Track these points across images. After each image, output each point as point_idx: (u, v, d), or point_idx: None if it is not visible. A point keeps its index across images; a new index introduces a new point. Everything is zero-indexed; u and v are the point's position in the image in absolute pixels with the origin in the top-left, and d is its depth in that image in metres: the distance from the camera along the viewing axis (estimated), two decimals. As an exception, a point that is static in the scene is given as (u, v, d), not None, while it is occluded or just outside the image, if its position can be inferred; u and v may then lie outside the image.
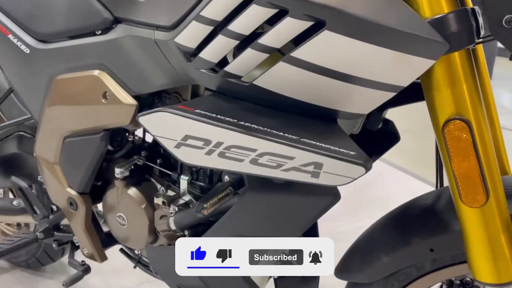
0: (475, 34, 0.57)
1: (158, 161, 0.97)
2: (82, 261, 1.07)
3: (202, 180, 0.88)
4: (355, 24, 0.53)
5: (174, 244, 0.92)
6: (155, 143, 0.99)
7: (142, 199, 0.94)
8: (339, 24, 0.54)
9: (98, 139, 0.91)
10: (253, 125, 0.56)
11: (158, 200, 0.94)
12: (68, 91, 0.93)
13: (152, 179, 0.97)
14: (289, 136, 0.55)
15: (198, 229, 0.88)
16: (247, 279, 0.85)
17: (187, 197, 0.91)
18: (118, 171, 0.94)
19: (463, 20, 0.56)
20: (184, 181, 0.90)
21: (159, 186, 0.96)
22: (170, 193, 0.94)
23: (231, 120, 0.57)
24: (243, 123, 0.57)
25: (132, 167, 0.96)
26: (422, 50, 0.54)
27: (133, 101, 0.84)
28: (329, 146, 0.54)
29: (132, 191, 0.95)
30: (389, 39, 0.54)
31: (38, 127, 1.02)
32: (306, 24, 0.55)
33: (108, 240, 1.07)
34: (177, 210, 0.87)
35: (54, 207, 1.12)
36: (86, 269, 1.06)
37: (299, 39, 0.57)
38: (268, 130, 0.56)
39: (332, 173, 0.54)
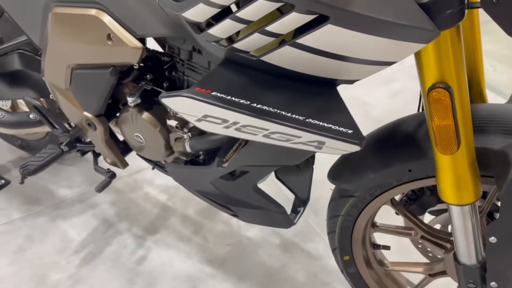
0: (466, 7, 0.62)
1: (165, 84, 1.04)
2: (108, 169, 1.22)
3: None
4: (355, 19, 0.58)
5: (190, 161, 1.07)
6: (159, 67, 1.04)
7: (156, 123, 1.04)
8: (341, 19, 0.58)
9: (107, 74, 0.97)
10: (264, 107, 0.64)
11: (171, 122, 1.04)
12: (69, 28, 0.95)
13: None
14: (296, 117, 0.63)
15: (211, 151, 1.01)
16: (256, 189, 1.01)
17: (196, 119, 1.01)
18: (130, 100, 1.01)
19: (455, 2, 0.60)
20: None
21: (169, 108, 1.04)
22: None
23: (245, 103, 0.64)
24: (255, 105, 0.64)
25: (141, 92, 1.03)
26: (415, 37, 0.60)
27: (138, 44, 0.87)
28: (330, 126, 0.63)
29: (146, 115, 1.04)
30: (385, 30, 0.59)
31: (43, 54, 1.05)
32: (310, 17, 0.59)
33: (126, 148, 1.20)
34: (190, 135, 0.98)
35: (72, 123, 1.21)
36: (112, 175, 1.21)
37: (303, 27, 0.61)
38: (278, 112, 0.64)
39: (332, 147, 0.64)
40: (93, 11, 0.89)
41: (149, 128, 1.05)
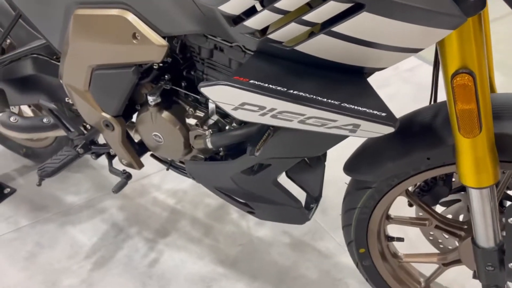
0: (487, -3, 0.66)
1: (183, 84, 1.07)
2: (123, 170, 1.23)
3: None
4: (390, 6, 0.61)
5: (209, 158, 1.09)
6: (178, 66, 1.06)
7: (176, 121, 1.06)
8: (376, 7, 0.62)
9: (130, 73, 0.99)
10: (301, 93, 0.67)
11: (190, 121, 1.06)
12: (93, 29, 0.97)
13: (180, 101, 1.08)
14: (332, 102, 0.67)
15: (231, 147, 1.03)
16: (276, 183, 1.04)
17: (215, 117, 1.04)
18: (151, 99, 1.03)
19: None
20: (212, 103, 1.01)
21: (187, 107, 1.07)
22: (199, 113, 1.06)
23: (282, 89, 0.67)
24: (292, 91, 0.67)
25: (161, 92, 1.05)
26: (444, 23, 0.64)
27: (164, 42, 0.90)
28: (365, 110, 0.66)
29: (166, 114, 1.06)
30: (417, 17, 0.63)
31: (63, 57, 1.07)
32: (346, 6, 0.63)
33: (141, 149, 1.21)
34: (211, 132, 1.01)
35: (87, 126, 1.22)
36: (128, 176, 1.22)
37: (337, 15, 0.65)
38: (314, 97, 0.67)
39: (366, 130, 0.67)
40: (118, 11, 0.91)
41: (169, 126, 1.07)
